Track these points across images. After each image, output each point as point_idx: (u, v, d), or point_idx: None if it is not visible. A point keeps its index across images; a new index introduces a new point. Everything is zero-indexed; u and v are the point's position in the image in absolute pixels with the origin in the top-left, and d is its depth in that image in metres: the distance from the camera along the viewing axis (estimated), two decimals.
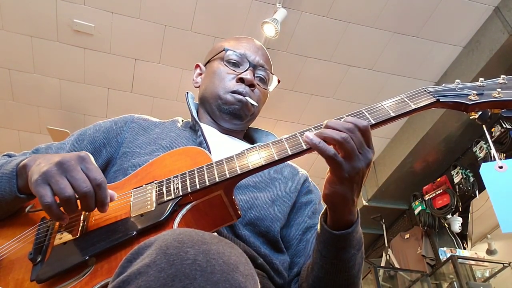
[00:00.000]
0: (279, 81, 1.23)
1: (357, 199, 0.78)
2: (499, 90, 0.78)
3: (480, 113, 0.80)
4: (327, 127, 0.75)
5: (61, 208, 0.71)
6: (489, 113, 0.81)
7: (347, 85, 3.98)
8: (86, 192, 0.70)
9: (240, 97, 1.10)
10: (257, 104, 1.14)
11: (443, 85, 0.83)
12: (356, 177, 0.74)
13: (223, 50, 1.17)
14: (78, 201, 0.72)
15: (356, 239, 0.81)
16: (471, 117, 0.81)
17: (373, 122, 0.77)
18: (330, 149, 0.73)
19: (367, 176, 0.77)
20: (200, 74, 1.25)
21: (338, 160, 0.72)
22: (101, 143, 1.05)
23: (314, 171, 4.77)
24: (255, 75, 1.15)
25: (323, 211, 0.83)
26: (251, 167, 0.76)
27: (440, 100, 0.79)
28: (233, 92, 1.11)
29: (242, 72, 1.13)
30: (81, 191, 0.70)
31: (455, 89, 0.81)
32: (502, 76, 0.81)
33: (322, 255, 0.82)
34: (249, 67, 1.14)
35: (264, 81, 1.19)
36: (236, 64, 1.15)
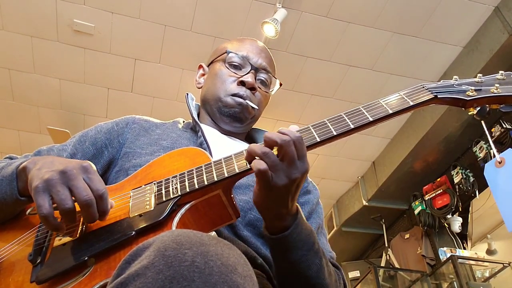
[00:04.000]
0: (281, 84, 1.23)
1: (284, 207, 0.75)
2: (497, 85, 0.78)
3: (478, 108, 0.80)
4: (265, 137, 0.74)
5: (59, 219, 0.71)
6: (488, 109, 0.80)
7: (347, 85, 3.98)
8: (87, 201, 0.69)
9: (241, 100, 1.10)
10: (257, 107, 1.13)
11: (441, 81, 0.83)
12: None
13: (225, 52, 1.16)
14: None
15: (301, 241, 0.78)
16: (469, 113, 0.81)
17: (371, 119, 0.77)
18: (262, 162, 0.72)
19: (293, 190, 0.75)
20: (203, 74, 1.25)
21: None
22: (103, 144, 1.05)
23: (314, 172, 4.77)
24: (257, 77, 1.15)
25: None
26: (249, 166, 0.76)
27: (438, 96, 0.79)
28: (234, 95, 1.10)
29: (243, 75, 1.12)
30: (82, 199, 0.69)
31: (453, 85, 0.81)
32: (500, 72, 0.81)
33: (273, 257, 0.82)
34: (250, 70, 1.13)
35: (266, 83, 1.18)
36: (237, 67, 1.15)
